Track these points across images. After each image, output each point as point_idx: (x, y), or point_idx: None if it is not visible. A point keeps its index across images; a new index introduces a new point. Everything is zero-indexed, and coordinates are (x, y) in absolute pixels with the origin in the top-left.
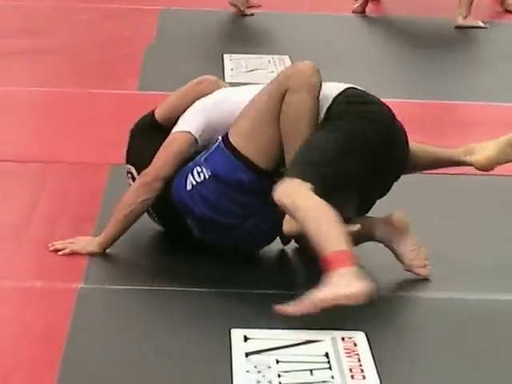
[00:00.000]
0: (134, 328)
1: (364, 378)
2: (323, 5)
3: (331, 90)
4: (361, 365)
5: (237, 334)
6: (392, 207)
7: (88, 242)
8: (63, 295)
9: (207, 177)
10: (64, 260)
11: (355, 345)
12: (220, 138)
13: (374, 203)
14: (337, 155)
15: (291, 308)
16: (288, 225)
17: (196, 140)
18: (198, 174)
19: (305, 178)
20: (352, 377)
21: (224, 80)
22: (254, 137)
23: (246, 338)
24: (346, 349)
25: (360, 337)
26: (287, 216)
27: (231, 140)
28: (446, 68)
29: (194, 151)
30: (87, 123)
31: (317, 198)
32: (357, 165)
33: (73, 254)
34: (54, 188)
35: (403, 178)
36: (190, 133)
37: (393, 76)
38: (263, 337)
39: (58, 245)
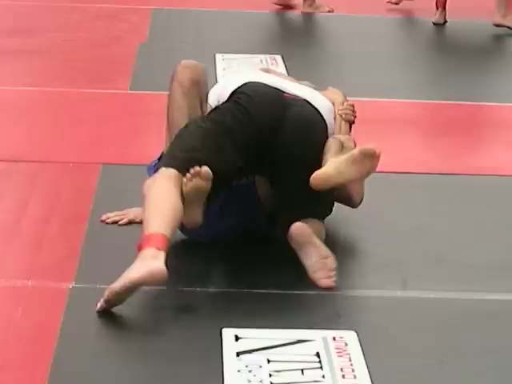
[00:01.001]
0: (124, 327)
1: (355, 377)
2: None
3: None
4: (352, 364)
5: (228, 334)
6: (384, 207)
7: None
8: (54, 294)
9: None
10: (55, 259)
11: (346, 344)
12: None
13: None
14: (196, 143)
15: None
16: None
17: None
18: None
19: (167, 165)
20: (343, 376)
21: (216, 79)
22: None
23: (237, 338)
24: (337, 348)
25: (351, 336)
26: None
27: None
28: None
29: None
30: (79, 123)
31: (163, 187)
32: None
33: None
34: (45, 187)
35: (395, 179)
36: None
37: (388, 77)
38: (254, 336)
39: (113, 217)
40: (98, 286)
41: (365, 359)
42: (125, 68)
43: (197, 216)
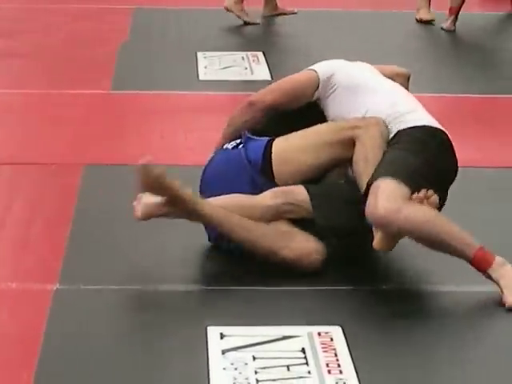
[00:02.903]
0: (109, 328)
1: (341, 372)
2: (297, 1)
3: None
4: (337, 359)
5: (213, 332)
6: None
7: None
8: (38, 296)
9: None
10: (39, 261)
11: (332, 339)
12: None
13: None
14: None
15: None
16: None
17: (318, 81)
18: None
19: (395, 176)
20: (329, 372)
21: (198, 78)
22: (293, 160)
23: (222, 336)
24: (322, 344)
25: (336, 331)
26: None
27: (274, 145)
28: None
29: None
30: (60, 124)
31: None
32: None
33: None
34: (28, 189)
35: None
36: (314, 71)
37: None
38: (239, 334)
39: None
40: (82, 287)
41: (350, 354)
42: (106, 68)
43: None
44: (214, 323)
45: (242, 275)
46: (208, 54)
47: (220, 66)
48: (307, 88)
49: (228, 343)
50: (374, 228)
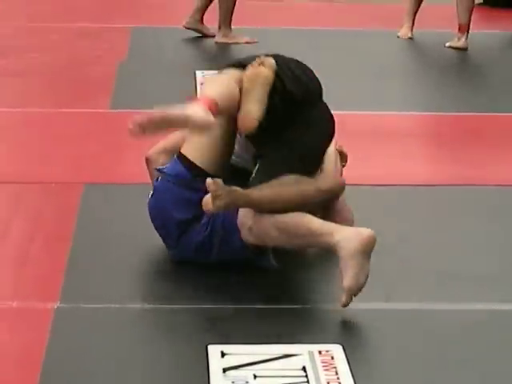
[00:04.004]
0: (111, 347)
1: None
2: (295, 19)
3: None
4: (338, 378)
5: (214, 350)
6: (371, 219)
7: None
8: (39, 315)
9: (159, 179)
10: (39, 280)
11: (332, 358)
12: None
13: None
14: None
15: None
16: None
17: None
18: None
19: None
20: None
21: (197, 96)
22: (200, 145)
23: (223, 354)
24: (323, 362)
25: (337, 350)
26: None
27: (182, 151)
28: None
29: None
30: (60, 143)
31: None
32: None
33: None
34: (28, 208)
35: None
36: None
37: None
38: (240, 352)
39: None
40: (83, 306)
41: (351, 373)
42: (105, 87)
43: (256, 114)
44: (215, 341)
45: (242, 293)
46: (207, 72)
47: None
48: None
49: (229, 361)
50: None
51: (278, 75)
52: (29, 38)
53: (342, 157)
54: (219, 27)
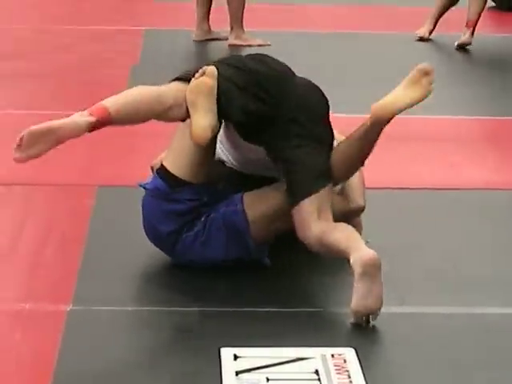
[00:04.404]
0: (123, 349)
1: None
2: (302, 23)
3: None
4: (351, 381)
5: (226, 353)
6: (385, 223)
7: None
8: (52, 317)
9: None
10: (52, 282)
11: (345, 361)
12: None
13: None
14: None
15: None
16: None
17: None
18: None
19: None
20: None
21: None
22: (177, 152)
23: (235, 357)
24: (335, 365)
25: (350, 353)
26: None
27: (163, 162)
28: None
29: None
30: (73, 145)
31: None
32: None
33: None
34: (40, 210)
35: (384, 195)
36: None
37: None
38: (253, 355)
39: None
40: (95, 308)
41: (364, 376)
42: (117, 90)
43: (207, 123)
44: (228, 344)
45: (254, 296)
46: None
47: None
48: None
49: (242, 364)
50: None
51: (226, 78)
52: (41, 41)
53: None
54: (231, 29)
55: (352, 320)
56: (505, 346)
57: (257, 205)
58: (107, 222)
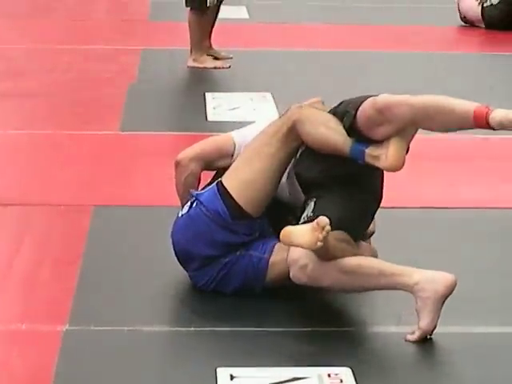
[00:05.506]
0: (119, 369)
1: None
2: (302, 41)
3: None
4: None
5: (223, 373)
6: (382, 242)
7: None
8: (48, 337)
9: (194, 205)
10: (49, 302)
11: (341, 381)
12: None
13: None
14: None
15: None
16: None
17: (234, 145)
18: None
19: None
20: None
21: (206, 119)
22: (250, 185)
23: (232, 377)
24: None
25: (346, 373)
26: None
27: (225, 183)
28: None
29: None
30: (69, 165)
31: None
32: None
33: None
34: (36, 231)
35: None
36: (231, 136)
37: None
38: (249, 375)
39: None
40: (92, 328)
41: None
42: (115, 109)
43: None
44: (224, 364)
45: (250, 316)
46: (216, 94)
47: (229, 106)
48: (222, 149)
49: None
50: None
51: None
52: (39, 60)
53: None
54: (190, 51)
55: (415, 337)
56: (507, 365)
57: (282, 252)
58: (103, 242)
